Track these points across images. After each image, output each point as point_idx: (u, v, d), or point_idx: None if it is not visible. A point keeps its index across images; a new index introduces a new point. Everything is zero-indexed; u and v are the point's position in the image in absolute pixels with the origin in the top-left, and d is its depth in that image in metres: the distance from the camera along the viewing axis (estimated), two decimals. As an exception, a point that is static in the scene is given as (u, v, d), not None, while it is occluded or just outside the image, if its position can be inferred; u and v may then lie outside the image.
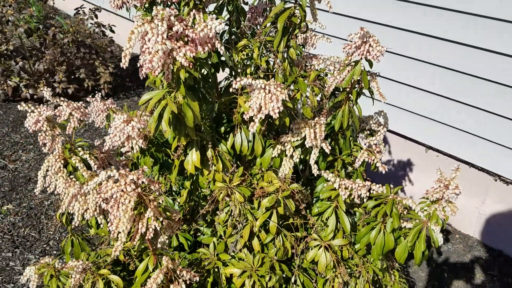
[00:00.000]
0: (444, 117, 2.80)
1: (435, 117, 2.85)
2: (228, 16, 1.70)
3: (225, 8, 1.65)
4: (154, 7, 1.40)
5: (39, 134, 1.66)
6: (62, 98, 1.68)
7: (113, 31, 4.18)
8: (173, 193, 2.04)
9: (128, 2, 1.67)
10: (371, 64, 1.51)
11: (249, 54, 1.54)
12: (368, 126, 1.90)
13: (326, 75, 1.66)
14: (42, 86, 3.63)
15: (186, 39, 1.25)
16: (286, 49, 1.48)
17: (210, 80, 1.53)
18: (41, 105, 1.69)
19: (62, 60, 3.71)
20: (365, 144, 1.85)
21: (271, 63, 1.62)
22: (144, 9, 1.68)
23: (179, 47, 1.20)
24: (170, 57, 1.18)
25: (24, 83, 3.65)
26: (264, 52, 1.54)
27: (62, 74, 3.65)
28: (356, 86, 1.59)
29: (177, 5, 1.47)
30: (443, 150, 2.93)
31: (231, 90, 1.33)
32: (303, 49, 1.89)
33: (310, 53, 1.71)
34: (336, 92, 1.67)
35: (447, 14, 2.55)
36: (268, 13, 1.88)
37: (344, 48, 1.46)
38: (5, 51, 3.43)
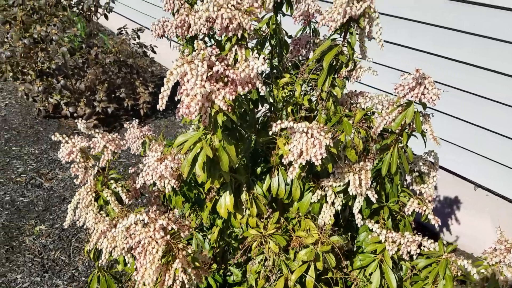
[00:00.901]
0: (498, 156, 2.60)
1: (487, 154, 2.64)
2: (269, 48, 1.62)
3: (267, 42, 1.57)
4: (195, 41, 1.33)
5: (72, 165, 1.62)
6: (97, 130, 1.64)
7: (154, 52, 4.21)
8: (204, 228, 1.96)
9: (168, 31, 1.62)
10: (424, 106, 1.38)
11: (291, 92, 1.45)
12: (416, 167, 1.75)
13: (373, 113, 1.54)
14: (82, 104, 3.68)
15: (226, 79, 1.17)
16: (331, 87, 1.38)
17: (248, 117, 1.44)
18: (76, 135, 1.65)
19: (103, 79, 3.76)
20: (411, 186, 1.70)
21: (314, 99, 1.52)
22: (185, 40, 1.63)
23: (218, 89, 1.12)
24: (208, 100, 1.10)
25: (65, 101, 3.71)
26: (307, 89, 1.44)
27: (102, 93, 3.69)
28: (407, 128, 1.46)
29: (217, 39, 1.41)
30: (494, 190, 2.71)
31: (270, 132, 1.23)
32: (346, 81, 1.78)
33: (355, 90, 1.59)
34: (384, 133, 1.54)
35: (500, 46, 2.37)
36: (311, 45, 1.78)
37: (395, 89, 1.34)
38: (47, 69, 3.50)
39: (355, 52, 1.35)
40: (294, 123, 1.20)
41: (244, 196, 1.39)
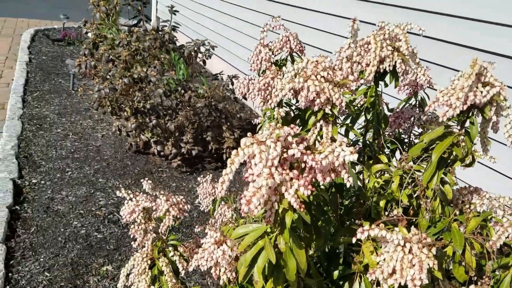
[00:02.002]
0: None
1: None
2: (362, 119, 1.38)
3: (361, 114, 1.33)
4: (276, 109, 1.15)
5: (131, 226, 1.50)
6: (162, 192, 1.51)
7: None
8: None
9: (249, 94, 1.47)
10: None
11: (386, 181, 1.18)
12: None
13: (490, 220, 1.20)
14: (170, 144, 3.71)
15: (303, 165, 0.95)
16: (440, 184, 1.09)
17: (327, 207, 1.20)
18: (141, 193, 1.55)
19: (192, 121, 3.77)
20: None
21: (412, 191, 1.23)
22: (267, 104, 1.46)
23: (291, 179, 0.91)
24: (276, 193, 0.89)
25: (155, 139, 3.78)
26: (408, 181, 1.16)
27: (190, 135, 3.69)
28: (539, 247, 1.10)
29: (300, 111, 1.20)
30: None
31: (353, 240, 0.97)
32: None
33: (469, 186, 1.27)
34: (505, 248, 1.19)
35: None
36: (415, 120, 1.50)
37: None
38: (142, 108, 3.60)
39: (474, 144, 1.05)
40: (387, 231, 0.93)
41: (314, 306, 1.13)
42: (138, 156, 4.01)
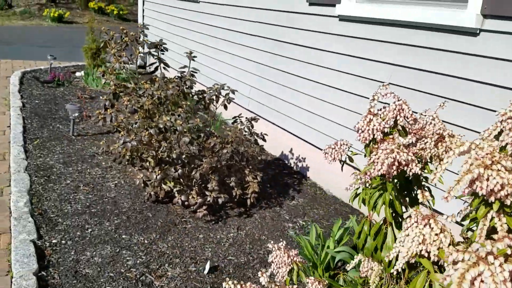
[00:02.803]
0: None
1: None
2: None
3: None
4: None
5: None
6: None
7: (264, 140, 4.10)
8: None
9: (365, 177, 1.38)
10: None
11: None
12: None
13: None
14: (194, 193, 3.56)
15: None
16: None
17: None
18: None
19: (217, 168, 3.64)
20: None
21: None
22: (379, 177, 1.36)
23: None
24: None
25: (178, 189, 3.62)
26: None
27: (215, 182, 3.55)
28: None
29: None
30: None
31: None
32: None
33: None
34: None
35: None
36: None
37: None
38: (167, 158, 3.46)
39: None
40: None
41: None
42: (157, 207, 3.82)
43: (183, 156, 3.37)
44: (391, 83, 1.49)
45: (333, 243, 2.88)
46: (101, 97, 3.74)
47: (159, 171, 3.30)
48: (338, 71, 4.13)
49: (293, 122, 4.91)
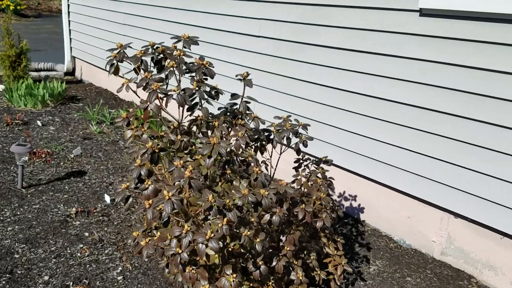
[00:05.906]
0: None
1: None
2: None
3: None
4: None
5: None
6: None
7: (332, 189, 2.99)
8: None
9: None
10: None
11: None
12: None
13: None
14: (274, 291, 2.35)
15: None
16: None
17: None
18: None
19: (298, 248, 2.47)
20: None
21: None
22: None
23: None
24: None
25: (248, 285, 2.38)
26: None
27: (301, 273, 2.39)
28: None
29: None
30: None
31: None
32: None
33: None
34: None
35: None
36: None
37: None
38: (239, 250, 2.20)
39: None
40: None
41: None
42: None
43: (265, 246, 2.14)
44: None
45: None
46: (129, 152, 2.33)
47: (233, 275, 2.03)
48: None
49: (328, 146, 3.82)
